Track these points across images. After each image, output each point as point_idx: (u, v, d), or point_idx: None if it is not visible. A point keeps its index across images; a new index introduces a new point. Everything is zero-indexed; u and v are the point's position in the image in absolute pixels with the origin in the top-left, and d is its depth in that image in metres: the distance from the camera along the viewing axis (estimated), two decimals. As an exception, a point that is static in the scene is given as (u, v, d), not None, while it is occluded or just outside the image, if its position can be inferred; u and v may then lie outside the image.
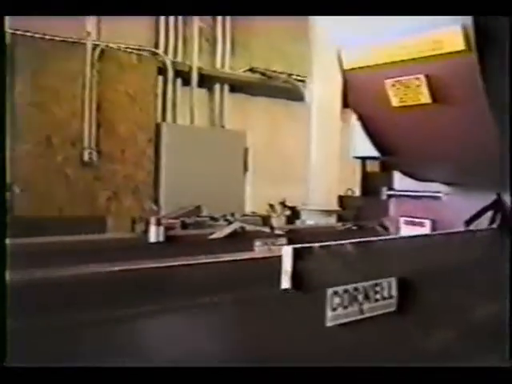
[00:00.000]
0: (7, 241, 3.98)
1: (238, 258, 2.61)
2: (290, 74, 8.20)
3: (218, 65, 7.82)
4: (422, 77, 2.48)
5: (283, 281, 1.85)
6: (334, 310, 2.13)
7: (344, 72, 2.88)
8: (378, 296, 2.24)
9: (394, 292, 2.30)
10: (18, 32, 6.09)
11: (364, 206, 6.43)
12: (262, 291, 2.12)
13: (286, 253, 1.87)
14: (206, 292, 2.09)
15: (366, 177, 7.44)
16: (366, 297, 2.21)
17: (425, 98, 2.50)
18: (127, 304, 1.80)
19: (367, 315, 2.19)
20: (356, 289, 2.18)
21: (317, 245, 2.04)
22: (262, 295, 2.12)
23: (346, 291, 2.20)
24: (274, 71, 8.12)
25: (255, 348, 2.04)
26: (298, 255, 1.89)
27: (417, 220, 3.47)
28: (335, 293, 2.14)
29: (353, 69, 2.78)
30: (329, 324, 2.12)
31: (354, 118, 3.19)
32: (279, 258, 2.03)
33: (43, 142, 6.31)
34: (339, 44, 2.85)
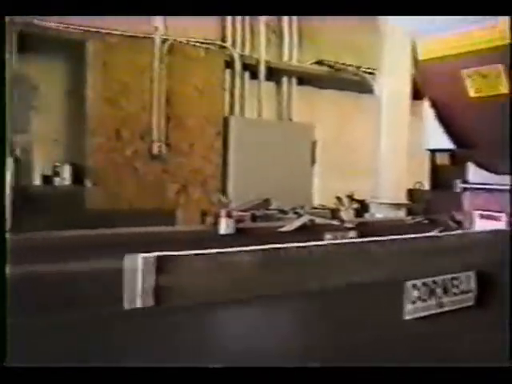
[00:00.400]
0: (83, 232, 4.04)
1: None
2: (358, 67, 8.10)
3: (286, 57, 7.79)
4: (500, 66, 2.41)
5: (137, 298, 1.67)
6: (413, 303, 2.09)
7: (419, 62, 2.83)
8: (456, 290, 2.20)
9: (473, 286, 2.25)
10: (89, 28, 6.21)
11: (433, 199, 6.32)
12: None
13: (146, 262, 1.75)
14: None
15: (435, 170, 7.31)
16: (445, 291, 2.17)
17: (504, 87, 2.43)
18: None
19: (446, 309, 2.15)
20: (435, 282, 2.14)
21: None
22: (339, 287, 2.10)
23: (424, 284, 2.16)
24: (343, 64, 8.03)
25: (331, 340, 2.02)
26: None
27: (494, 214, 3.38)
28: (414, 286, 2.10)
29: (429, 59, 2.72)
30: (407, 317, 2.09)
31: (425, 111, 3.13)
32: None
33: (113, 135, 6.41)
34: (414, 35, 2.80)
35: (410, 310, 2.09)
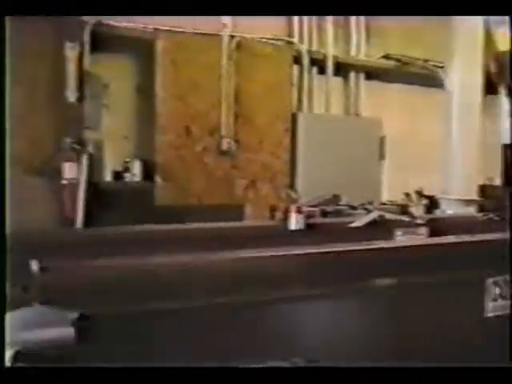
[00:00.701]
0: (154, 227, 4.10)
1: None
2: (426, 60, 7.96)
3: (353, 52, 7.72)
4: None
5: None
6: (494, 300, 2.04)
7: (497, 53, 2.76)
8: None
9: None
10: (158, 27, 6.29)
11: (506, 196, 6.17)
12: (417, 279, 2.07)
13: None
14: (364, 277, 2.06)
15: (509, 165, 7.15)
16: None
17: None
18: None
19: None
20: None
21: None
22: (416, 283, 2.07)
23: (505, 281, 2.11)
24: (411, 57, 7.91)
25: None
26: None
27: None
28: (495, 283, 2.05)
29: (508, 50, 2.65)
30: (489, 315, 2.04)
31: (500, 106, 3.05)
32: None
33: (183, 132, 6.47)
34: (491, 26, 2.74)
35: (491, 308, 2.04)
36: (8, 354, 1.42)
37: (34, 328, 1.72)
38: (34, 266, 2.00)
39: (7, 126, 5.87)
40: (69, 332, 1.47)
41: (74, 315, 1.39)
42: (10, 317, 2.05)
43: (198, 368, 1.55)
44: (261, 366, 1.60)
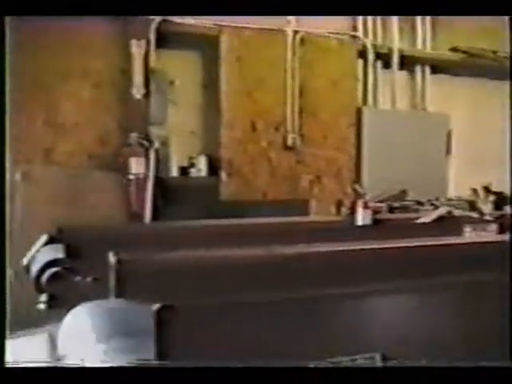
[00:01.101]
0: (220, 222, 4.14)
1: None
2: (495, 52, 7.76)
3: (419, 45, 7.59)
4: None
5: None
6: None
7: None
8: None
9: None
10: (223, 23, 6.32)
11: None
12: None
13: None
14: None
15: None
16: None
17: None
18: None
19: None
20: None
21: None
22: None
23: None
24: (479, 49, 7.72)
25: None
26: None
27: None
28: None
29: None
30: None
31: None
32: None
33: (248, 127, 6.50)
34: None
35: None
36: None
37: (114, 320, 1.77)
38: (111, 258, 2.03)
39: (77, 120, 6.02)
40: (149, 323, 1.48)
41: (155, 307, 1.41)
42: (86, 308, 2.11)
43: (205, 368, 1.55)
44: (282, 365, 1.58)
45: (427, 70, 7.69)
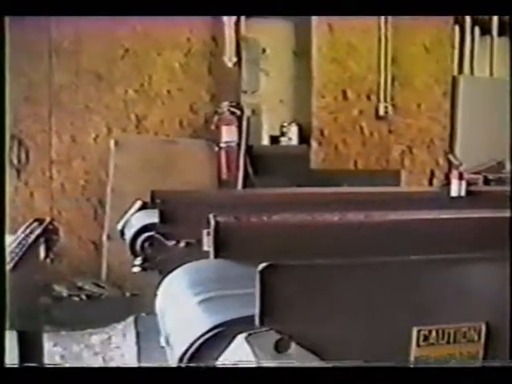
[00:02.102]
0: (310, 190, 4.10)
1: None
2: None
3: (520, 11, 7.27)
4: None
5: None
6: None
7: None
8: None
9: None
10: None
11: None
12: None
13: None
14: None
15: None
16: None
17: None
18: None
19: None
20: None
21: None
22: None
23: None
24: None
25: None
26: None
27: None
28: None
29: None
30: None
31: None
32: None
33: (339, 96, 6.43)
34: None
35: None
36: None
37: (213, 277, 1.79)
38: (211, 220, 2.05)
39: (169, 89, 6.10)
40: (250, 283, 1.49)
41: (261, 266, 1.41)
42: (187, 268, 2.14)
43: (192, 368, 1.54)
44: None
45: (530, 35, 7.35)
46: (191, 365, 1.66)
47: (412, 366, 1.65)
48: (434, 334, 1.63)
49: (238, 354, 1.43)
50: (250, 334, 1.42)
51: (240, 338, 1.43)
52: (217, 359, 1.49)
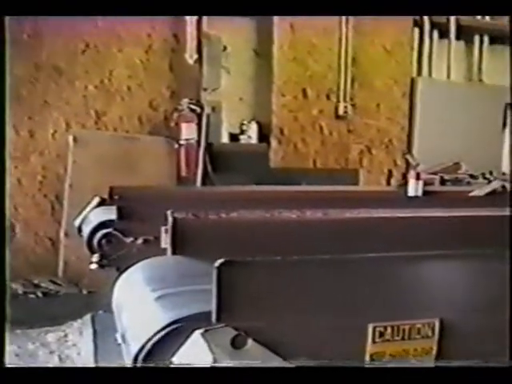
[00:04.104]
0: (268, 188, 4.12)
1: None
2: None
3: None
4: None
5: None
6: None
7: None
8: None
9: None
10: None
11: None
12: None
13: None
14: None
15: None
16: None
17: None
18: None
19: None
20: None
21: None
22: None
23: None
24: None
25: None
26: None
27: None
28: None
29: None
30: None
31: None
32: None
33: (300, 94, 6.45)
34: None
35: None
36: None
37: (170, 273, 1.78)
38: (169, 216, 2.04)
39: (129, 85, 6.04)
40: (206, 279, 1.49)
41: (218, 262, 1.41)
42: (144, 265, 2.13)
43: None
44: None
45: (486, 40, 7.47)
46: (149, 365, 1.65)
47: (412, 366, 1.66)
48: (389, 330, 1.65)
49: (194, 350, 1.43)
50: (206, 331, 1.42)
51: (196, 334, 1.43)
52: (173, 355, 1.49)
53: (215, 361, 1.38)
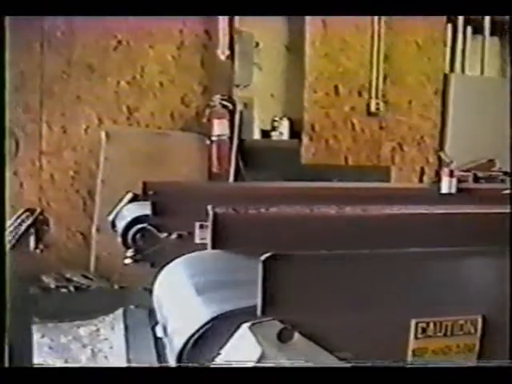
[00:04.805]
0: (300, 184, 4.11)
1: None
2: None
3: (512, 10, 7.28)
4: None
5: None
6: None
7: None
8: None
9: None
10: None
11: None
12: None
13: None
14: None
15: None
16: None
17: None
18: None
19: None
20: None
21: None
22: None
23: None
24: None
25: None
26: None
27: None
28: None
29: None
30: None
31: None
32: None
33: (331, 91, 6.43)
34: None
35: None
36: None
37: (212, 271, 1.79)
38: (210, 211, 2.05)
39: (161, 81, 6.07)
40: (250, 274, 1.50)
41: (264, 256, 1.42)
42: (185, 260, 2.14)
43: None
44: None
45: (521, 35, 7.37)
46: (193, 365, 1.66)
47: (411, 366, 1.66)
48: (431, 326, 1.65)
49: (243, 343, 1.44)
50: (253, 324, 1.43)
51: (244, 328, 1.44)
52: (221, 349, 1.49)
53: (263, 354, 1.39)
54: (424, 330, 1.65)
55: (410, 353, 1.64)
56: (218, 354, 1.49)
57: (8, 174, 5.92)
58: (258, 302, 1.43)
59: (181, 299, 1.85)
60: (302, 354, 1.45)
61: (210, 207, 2.10)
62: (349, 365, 1.58)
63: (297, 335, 1.46)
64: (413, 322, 1.63)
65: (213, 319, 1.59)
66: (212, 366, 1.53)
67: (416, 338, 1.64)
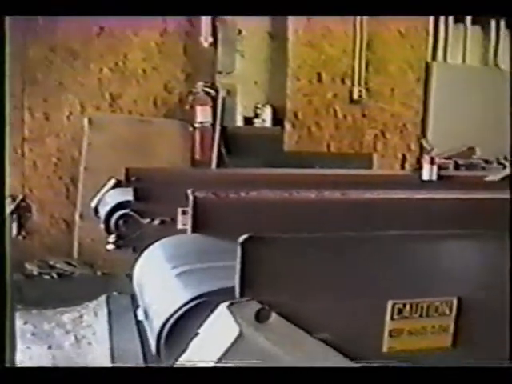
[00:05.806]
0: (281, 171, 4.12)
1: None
2: None
3: (494, -1, 7.30)
4: None
5: None
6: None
7: None
8: None
9: None
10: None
11: None
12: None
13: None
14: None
15: None
16: None
17: None
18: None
19: None
20: None
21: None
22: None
23: None
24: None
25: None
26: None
27: None
28: None
29: None
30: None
31: None
32: None
33: (314, 78, 6.44)
34: None
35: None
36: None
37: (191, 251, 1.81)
38: (190, 195, 2.07)
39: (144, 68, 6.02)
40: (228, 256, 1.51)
41: (242, 238, 1.43)
42: (165, 243, 2.16)
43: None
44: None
45: (502, 24, 7.39)
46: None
47: (410, 366, 1.68)
48: (407, 307, 1.67)
49: (220, 322, 1.46)
50: (231, 304, 1.45)
51: (222, 307, 1.46)
52: (198, 328, 1.51)
53: (241, 333, 1.41)
54: (400, 311, 1.68)
55: (386, 333, 1.67)
56: (197, 333, 1.51)
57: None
58: (236, 283, 1.46)
59: (160, 282, 1.87)
60: (279, 334, 1.48)
61: (190, 191, 2.11)
62: (349, 365, 1.60)
63: (274, 315, 1.48)
64: (389, 304, 1.65)
65: (191, 299, 1.61)
66: (206, 366, 1.54)
67: (392, 318, 1.67)
